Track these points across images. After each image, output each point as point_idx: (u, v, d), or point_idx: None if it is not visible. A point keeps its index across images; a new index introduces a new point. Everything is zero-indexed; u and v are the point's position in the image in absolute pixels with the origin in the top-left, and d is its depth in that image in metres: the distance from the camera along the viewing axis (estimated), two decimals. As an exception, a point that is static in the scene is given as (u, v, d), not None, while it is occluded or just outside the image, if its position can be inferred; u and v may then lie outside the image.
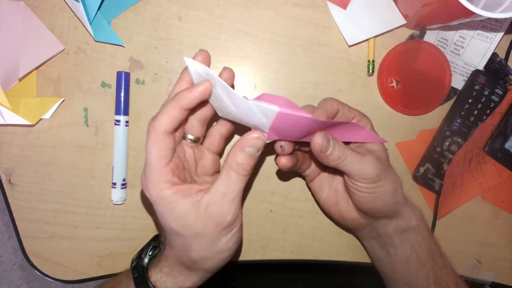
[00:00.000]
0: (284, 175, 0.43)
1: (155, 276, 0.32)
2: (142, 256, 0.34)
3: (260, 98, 0.28)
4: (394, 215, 0.35)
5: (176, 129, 0.29)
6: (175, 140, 0.29)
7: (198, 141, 0.33)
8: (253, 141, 0.28)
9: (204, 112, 0.31)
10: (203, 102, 0.29)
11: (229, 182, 0.28)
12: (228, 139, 0.35)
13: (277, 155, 0.33)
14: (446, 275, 0.37)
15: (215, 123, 0.34)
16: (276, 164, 0.33)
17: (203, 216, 0.28)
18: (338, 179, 0.38)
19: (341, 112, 0.33)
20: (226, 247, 0.30)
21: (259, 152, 0.29)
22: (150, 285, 0.31)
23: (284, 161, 0.33)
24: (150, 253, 0.35)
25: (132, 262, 0.34)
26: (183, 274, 0.31)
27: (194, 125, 0.31)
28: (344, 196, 0.37)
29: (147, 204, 0.41)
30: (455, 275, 0.38)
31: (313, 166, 0.38)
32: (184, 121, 0.30)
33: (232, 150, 0.28)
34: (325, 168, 0.38)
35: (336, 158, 0.30)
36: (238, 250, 0.32)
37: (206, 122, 0.32)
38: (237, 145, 0.28)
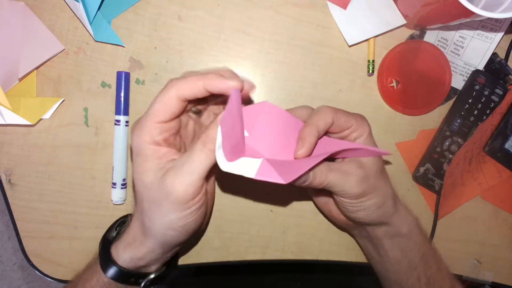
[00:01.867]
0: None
1: (115, 247, 0.32)
2: (110, 230, 0.35)
3: (261, 105, 0.28)
4: (382, 224, 0.35)
5: (190, 101, 0.29)
6: (182, 109, 0.29)
7: (199, 112, 0.33)
8: None
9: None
10: None
11: (191, 153, 0.27)
12: None
13: None
14: (440, 279, 0.37)
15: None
16: None
17: (157, 181, 0.27)
18: None
19: (336, 124, 0.31)
20: (173, 225, 0.28)
21: None
22: (110, 256, 0.31)
23: None
24: (117, 228, 0.36)
25: (101, 238, 0.35)
26: (137, 240, 0.31)
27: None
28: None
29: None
30: (451, 279, 0.38)
31: None
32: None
33: (209, 125, 0.28)
34: None
35: (317, 184, 0.30)
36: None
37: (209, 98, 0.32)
38: (212, 121, 0.27)
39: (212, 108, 0.34)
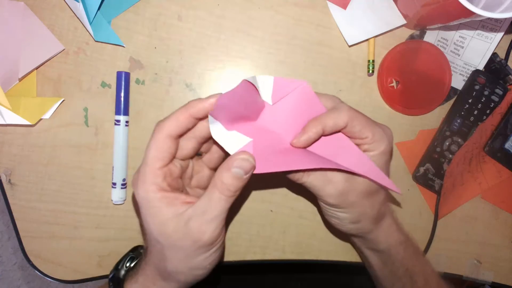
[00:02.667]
0: (284, 175, 0.43)
1: (130, 287, 0.32)
2: (119, 267, 0.35)
3: (299, 83, 0.30)
4: (357, 236, 0.35)
5: (181, 135, 0.29)
6: (176, 146, 0.29)
7: (201, 155, 0.33)
8: (240, 162, 0.27)
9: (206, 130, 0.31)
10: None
11: (211, 201, 0.27)
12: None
13: None
14: None
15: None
16: None
17: (181, 229, 0.27)
18: None
19: (348, 130, 0.30)
20: (201, 265, 0.29)
21: (247, 175, 0.27)
22: None
23: None
24: (127, 264, 0.35)
25: (109, 274, 0.35)
26: (156, 285, 0.31)
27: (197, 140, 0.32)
28: None
29: (136, 208, 0.41)
30: None
31: None
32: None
33: (219, 168, 0.27)
34: None
35: (294, 180, 0.31)
36: (221, 257, 0.31)
37: (208, 139, 0.32)
38: (224, 164, 0.27)
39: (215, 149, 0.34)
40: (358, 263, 0.44)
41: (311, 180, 0.30)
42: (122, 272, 0.34)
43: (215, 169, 0.34)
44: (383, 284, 0.39)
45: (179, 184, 0.30)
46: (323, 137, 0.31)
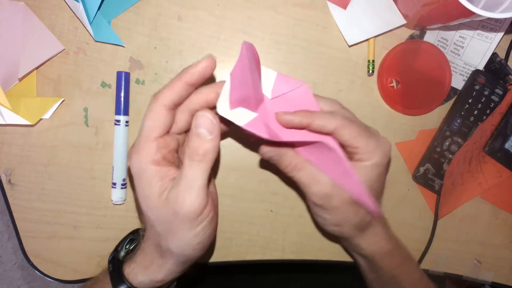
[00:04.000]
0: (284, 175, 0.43)
1: (129, 268, 0.32)
2: (119, 249, 0.35)
3: (300, 83, 0.30)
4: (341, 238, 0.36)
5: (177, 105, 0.29)
6: (172, 117, 0.29)
7: None
8: (201, 120, 0.26)
9: (199, 101, 0.30)
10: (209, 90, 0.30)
11: (184, 169, 0.26)
12: (224, 134, 0.35)
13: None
14: None
15: None
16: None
17: (166, 203, 0.27)
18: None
19: (337, 136, 0.29)
20: (190, 244, 0.28)
21: (213, 135, 0.26)
22: (124, 278, 0.31)
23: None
24: (127, 246, 0.35)
25: (109, 256, 0.34)
26: (154, 263, 0.31)
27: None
28: None
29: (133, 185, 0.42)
30: None
31: None
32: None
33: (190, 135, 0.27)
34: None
35: (284, 167, 0.31)
36: (210, 249, 0.31)
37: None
38: (190, 129, 0.27)
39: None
40: (358, 263, 0.44)
41: (300, 176, 0.31)
42: (122, 253, 0.34)
43: None
44: (372, 285, 0.39)
45: (175, 158, 0.30)
46: (317, 144, 0.30)
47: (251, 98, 0.29)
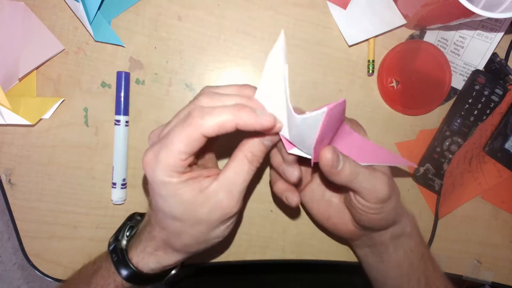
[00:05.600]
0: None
1: (137, 257, 0.32)
2: (120, 238, 0.34)
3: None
4: (393, 225, 0.35)
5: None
6: (205, 142, 0.27)
7: None
8: (271, 136, 0.28)
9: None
10: None
11: (242, 172, 0.27)
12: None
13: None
14: (436, 278, 0.37)
15: None
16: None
17: (210, 203, 0.27)
18: (331, 191, 0.36)
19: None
20: (221, 234, 0.30)
21: (271, 147, 0.29)
22: (132, 266, 0.31)
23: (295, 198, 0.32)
24: (127, 234, 0.35)
25: (109, 245, 0.34)
26: (167, 253, 0.31)
27: None
28: (339, 209, 0.35)
29: (147, 203, 0.42)
30: (445, 278, 0.38)
31: (304, 175, 0.36)
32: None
33: (249, 139, 0.27)
34: (316, 179, 0.36)
35: (347, 174, 0.28)
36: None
37: None
38: (253, 137, 0.27)
39: None
40: (358, 263, 0.44)
41: (359, 179, 0.29)
42: (124, 242, 0.34)
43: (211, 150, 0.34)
44: (401, 282, 0.38)
45: (194, 161, 0.30)
46: (344, 141, 0.30)
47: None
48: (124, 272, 0.32)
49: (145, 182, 0.40)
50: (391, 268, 0.37)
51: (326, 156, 0.27)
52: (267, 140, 0.28)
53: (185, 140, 0.25)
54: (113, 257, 0.33)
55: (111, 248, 0.34)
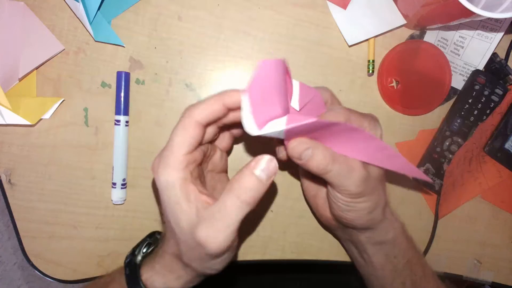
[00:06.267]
0: (284, 175, 0.43)
1: (146, 274, 0.31)
2: (136, 253, 0.34)
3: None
4: (367, 229, 0.34)
5: (210, 124, 0.28)
6: (204, 134, 0.28)
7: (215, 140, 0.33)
8: (265, 163, 0.25)
9: (233, 119, 0.30)
10: None
11: (225, 208, 0.25)
12: (236, 138, 0.35)
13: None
14: (425, 283, 0.36)
15: None
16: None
17: (191, 232, 0.26)
18: None
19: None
20: (213, 267, 0.29)
21: (270, 181, 0.26)
22: (141, 283, 0.31)
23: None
24: (144, 250, 0.35)
25: (125, 259, 0.34)
26: (174, 273, 0.30)
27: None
28: (323, 192, 0.36)
29: (156, 194, 0.42)
30: (437, 284, 0.37)
31: None
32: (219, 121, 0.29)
33: (239, 171, 0.26)
34: None
35: (316, 166, 0.28)
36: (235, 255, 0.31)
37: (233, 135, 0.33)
38: (246, 167, 0.26)
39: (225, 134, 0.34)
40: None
41: (336, 169, 0.28)
42: (139, 258, 0.34)
43: (225, 149, 0.34)
44: (383, 283, 0.38)
45: (200, 171, 0.30)
46: (338, 132, 0.29)
47: (280, 113, 0.27)
48: (131, 286, 0.31)
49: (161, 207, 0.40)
50: (373, 268, 0.37)
51: (292, 145, 0.28)
52: (259, 170, 0.25)
53: (182, 131, 0.26)
54: (126, 270, 0.32)
55: (126, 261, 0.34)
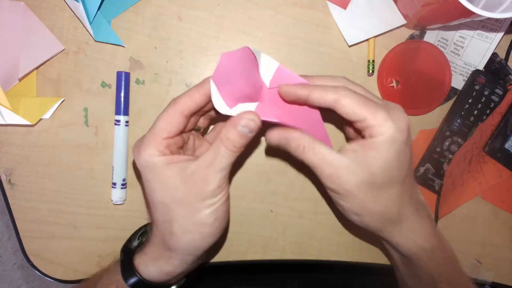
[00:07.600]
0: (284, 175, 0.43)
1: (139, 258, 0.32)
2: (132, 240, 0.35)
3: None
4: (369, 231, 0.32)
5: (193, 113, 0.30)
6: (186, 124, 0.30)
7: (199, 130, 0.34)
8: (245, 121, 0.27)
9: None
10: None
11: (217, 154, 0.28)
12: None
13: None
14: None
15: (221, 122, 0.36)
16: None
17: (186, 182, 0.28)
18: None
19: (339, 108, 0.27)
20: (207, 221, 0.29)
21: (252, 134, 0.28)
22: (133, 267, 0.31)
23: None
24: (139, 238, 0.35)
25: (122, 246, 0.35)
26: (164, 256, 0.31)
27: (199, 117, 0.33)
28: None
29: (138, 174, 0.42)
30: None
31: None
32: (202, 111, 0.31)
33: (226, 125, 0.28)
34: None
35: (293, 150, 0.29)
36: (210, 249, 0.31)
37: (211, 117, 0.34)
38: (230, 121, 0.28)
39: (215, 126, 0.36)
40: (358, 263, 0.44)
41: (311, 159, 0.29)
42: (134, 243, 0.35)
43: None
44: (407, 282, 0.36)
45: (180, 153, 0.31)
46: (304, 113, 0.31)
47: (248, 91, 0.29)
48: (126, 273, 0.32)
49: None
50: (397, 267, 0.37)
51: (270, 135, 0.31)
52: (241, 126, 0.27)
53: (165, 117, 0.28)
54: (121, 256, 0.33)
55: (122, 248, 0.34)
